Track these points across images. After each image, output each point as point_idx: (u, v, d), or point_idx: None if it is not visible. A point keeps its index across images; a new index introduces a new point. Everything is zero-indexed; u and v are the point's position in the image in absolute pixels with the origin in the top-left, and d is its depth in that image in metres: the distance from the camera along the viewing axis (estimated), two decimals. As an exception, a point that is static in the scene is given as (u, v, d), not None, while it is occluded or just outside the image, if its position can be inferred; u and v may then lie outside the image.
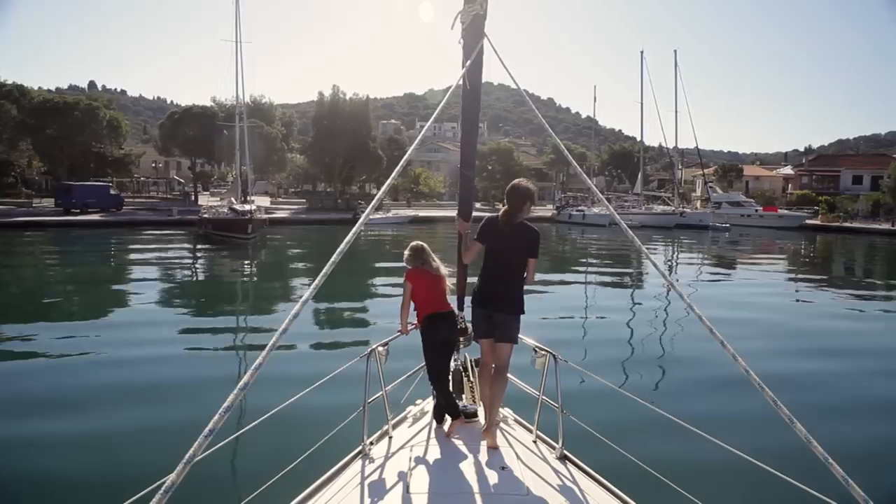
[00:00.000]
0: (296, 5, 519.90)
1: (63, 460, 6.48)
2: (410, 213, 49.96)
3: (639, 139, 61.76)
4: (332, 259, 2.58)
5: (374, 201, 3.27)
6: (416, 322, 4.21)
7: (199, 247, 30.00)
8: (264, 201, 57.77)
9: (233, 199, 34.24)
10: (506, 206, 3.97)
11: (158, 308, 15.12)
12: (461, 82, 3.88)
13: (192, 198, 53.45)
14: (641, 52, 56.18)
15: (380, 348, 4.04)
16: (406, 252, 4.26)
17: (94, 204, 41.39)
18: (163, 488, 2.01)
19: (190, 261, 26.05)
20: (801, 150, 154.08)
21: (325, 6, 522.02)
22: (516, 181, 4.06)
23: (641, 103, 56.52)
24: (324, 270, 2.57)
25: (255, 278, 22.32)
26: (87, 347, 11.04)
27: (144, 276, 20.33)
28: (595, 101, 63.09)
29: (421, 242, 4.31)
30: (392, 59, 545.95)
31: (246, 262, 25.95)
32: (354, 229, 2.83)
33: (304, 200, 58.89)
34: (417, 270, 4.21)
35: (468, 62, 3.83)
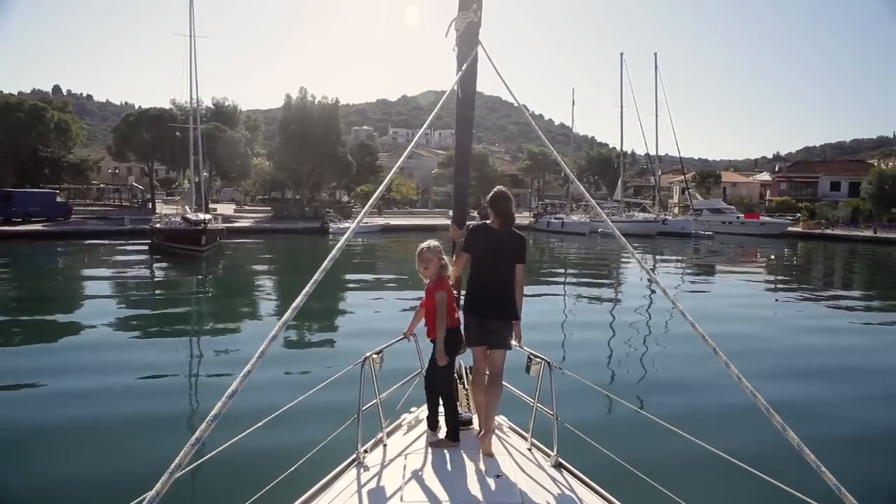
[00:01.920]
0: (272, 11, 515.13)
1: (35, 476, 6.07)
2: (381, 221, 47.53)
3: (614, 145, 60.74)
4: (324, 265, 2.59)
5: (359, 217, 3.40)
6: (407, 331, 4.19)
7: (149, 260, 27.46)
8: (229, 209, 55.08)
9: (186, 208, 31.47)
10: (498, 213, 3.92)
11: (91, 326, 13.71)
12: (455, 88, 3.93)
13: (150, 206, 50.40)
14: (621, 55, 55.04)
15: (374, 355, 3.92)
16: (439, 257, 3.86)
17: (37, 212, 38.33)
18: (145, 502, 1.91)
19: (132, 274, 23.33)
20: (770, 157, 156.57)
21: (299, 14, 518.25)
22: (499, 188, 4.08)
23: (621, 107, 55.28)
24: (315, 277, 2.57)
25: (204, 296, 19.87)
26: (36, 362, 10.65)
27: (81, 292, 18.93)
28: (574, 104, 61.51)
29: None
30: (364, 65, 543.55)
31: (197, 277, 23.45)
32: (344, 238, 2.88)
33: (269, 208, 56.11)
34: (444, 280, 3.89)
35: (462, 69, 3.82)
